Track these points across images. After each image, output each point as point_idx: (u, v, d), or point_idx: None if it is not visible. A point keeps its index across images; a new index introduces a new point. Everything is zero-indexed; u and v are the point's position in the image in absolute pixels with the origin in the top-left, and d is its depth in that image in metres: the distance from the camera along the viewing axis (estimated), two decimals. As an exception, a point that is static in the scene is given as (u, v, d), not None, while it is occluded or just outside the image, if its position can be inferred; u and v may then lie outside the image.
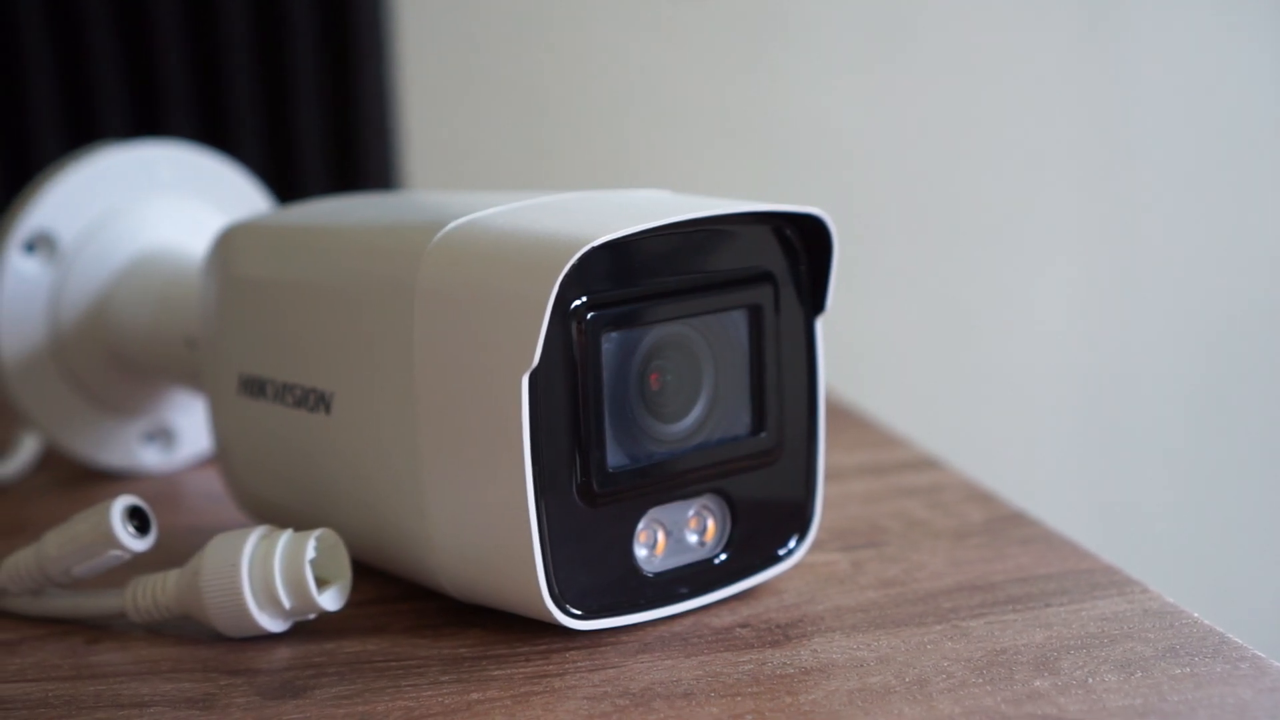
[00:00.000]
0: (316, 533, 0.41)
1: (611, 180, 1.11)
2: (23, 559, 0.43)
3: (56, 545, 0.42)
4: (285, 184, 0.97)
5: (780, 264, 0.43)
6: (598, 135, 1.16)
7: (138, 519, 0.42)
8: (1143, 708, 0.35)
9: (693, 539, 0.43)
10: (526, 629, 0.41)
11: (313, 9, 0.99)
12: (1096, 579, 0.44)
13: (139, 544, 0.42)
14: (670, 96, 1.17)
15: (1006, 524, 0.49)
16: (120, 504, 0.42)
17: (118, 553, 0.42)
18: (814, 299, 0.44)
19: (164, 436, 0.61)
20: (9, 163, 0.96)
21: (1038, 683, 0.37)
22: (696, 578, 0.42)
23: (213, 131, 0.97)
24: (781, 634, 0.41)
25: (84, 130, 0.96)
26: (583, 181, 1.09)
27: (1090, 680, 0.37)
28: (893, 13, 1.22)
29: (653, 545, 0.42)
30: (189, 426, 0.61)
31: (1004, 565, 0.45)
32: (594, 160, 1.16)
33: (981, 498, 0.52)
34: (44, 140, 0.96)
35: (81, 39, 0.96)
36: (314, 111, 1.00)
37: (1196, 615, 0.41)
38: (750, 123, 1.20)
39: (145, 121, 0.97)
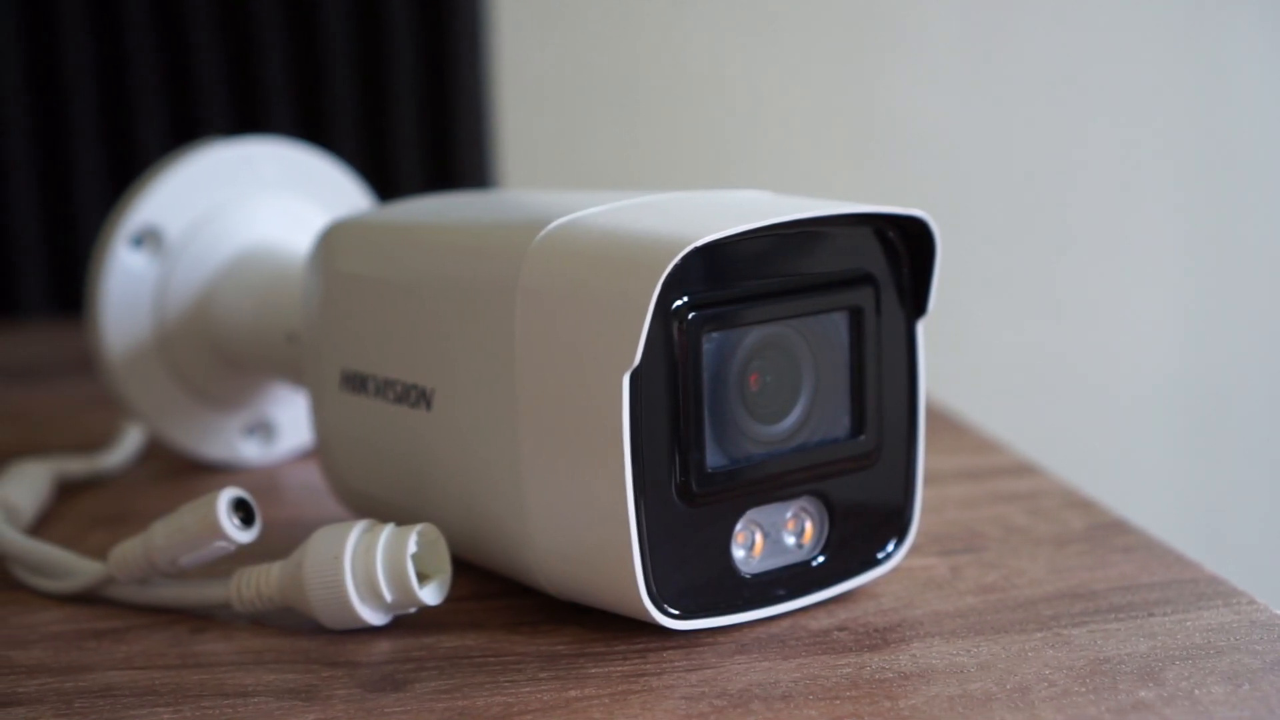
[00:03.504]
0: (418, 527, 0.41)
1: (708, 180, 1.11)
2: (130, 548, 0.44)
3: (164, 535, 0.43)
4: (382, 181, 0.98)
5: (881, 266, 0.43)
6: (694, 136, 1.16)
7: (242, 511, 0.43)
8: (1251, 721, 0.35)
9: (790, 541, 0.42)
10: (623, 627, 0.41)
11: (411, 8, 1.00)
12: (1201, 589, 0.43)
13: (244, 536, 0.42)
14: (768, 97, 1.17)
15: (1108, 531, 0.48)
16: (226, 496, 0.42)
17: (223, 544, 0.42)
18: (915, 302, 0.43)
19: (264, 430, 0.61)
20: (113, 158, 0.98)
21: (1142, 693, 0.36)
22: (794, 580, 0.42)
23: (311, 129, 0.98)
24: (880, 638, 0.40)
25: (186, 127, 0.97)
26: (679, 182, 1.09)
27: (1196, 692, 0.36)
28: (993, 15, 1.21)
29: (750, 546, 0.42)
30: (288, 420, 0.61)
31: (1106, 573, 0.45)
32: (690, 161, 1.16)
33: (1081, 504, 0.51)
34: (147, 136, 0.97)
35: (184, 39, 0.97)
36: (411, 110, 1.01)
37: (1305, 628, 0.40)
38: (848, 124, 1.19)
39: (246, 119, 0.98)
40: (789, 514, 0.42)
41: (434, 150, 1.02)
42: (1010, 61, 1.22)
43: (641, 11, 1.14)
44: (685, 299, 0.39)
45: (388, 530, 0.41)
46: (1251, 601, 0.42)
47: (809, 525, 0.43)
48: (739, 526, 0.41)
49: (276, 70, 0.99)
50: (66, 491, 0.57)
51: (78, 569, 0.45)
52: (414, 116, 1.01)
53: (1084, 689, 0.37)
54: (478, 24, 1.02)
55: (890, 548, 0.44)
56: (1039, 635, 0.40)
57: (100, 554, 0.45)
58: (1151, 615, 0.41)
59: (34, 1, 0.96)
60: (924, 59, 1.20)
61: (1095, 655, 0.39)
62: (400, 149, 1.01)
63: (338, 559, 0.41)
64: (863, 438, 0.43)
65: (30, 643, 0.42)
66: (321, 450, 0.50)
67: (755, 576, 0.41)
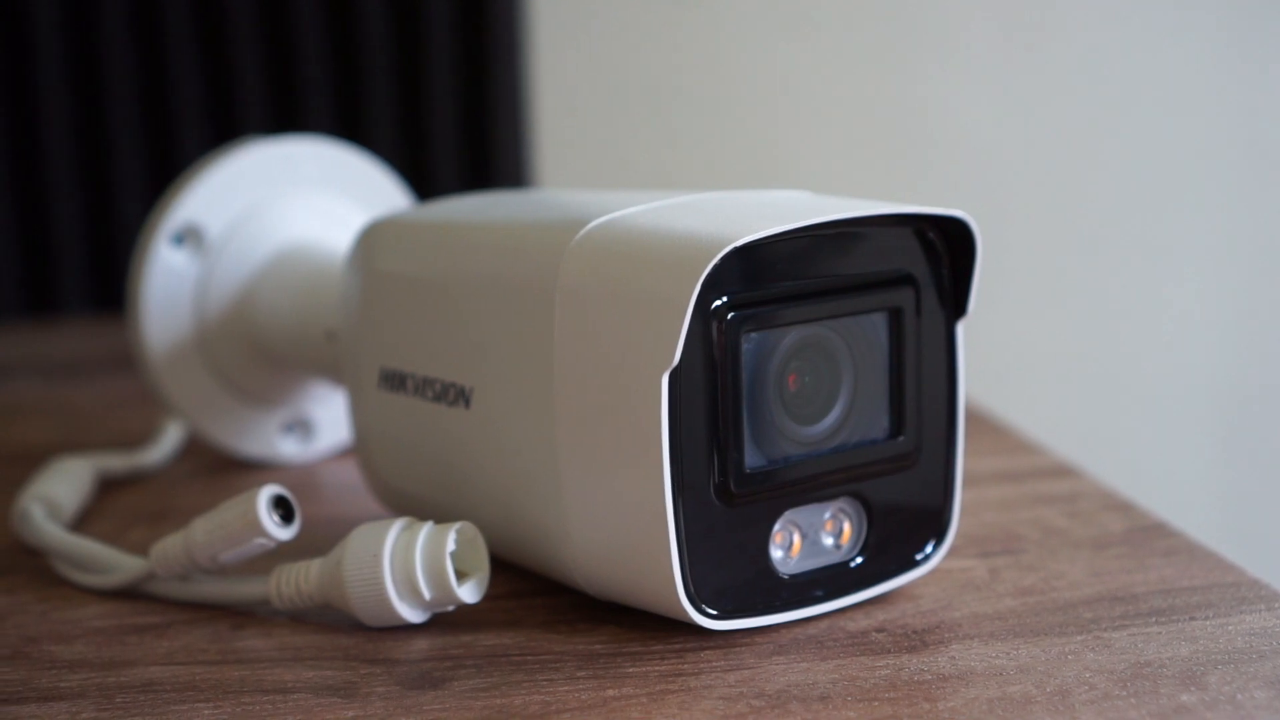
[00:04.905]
0: (457, 525, 0.41)
1: (745, 181, 1.11)
2: (171, 545, 0.44)
3: (204, 532, 0.43)
4: (419, 180, 0.98)
5: (921, 267, 0.42)
6: (731, 136, 1.16)
7: (282, 508, 0.43)
8: (1294, 726, 0.35)
9: (828, 542, 0.42)
10: (660, 627, 0.41)
11: (450, 8, 1.01)
12: (1243, 593, 0.43)
13: (283, 533, 0.43)
14: (805, 97, 1.17)
15: (1147, 534, 0.48)
16: (266, 493, 0.42)
17: (263, 541, 0.42)
18: (955, 302, 0.43)
19: (302, 427, 0.62)
20: (154, 157, 0.98)
21: (1184, 697, 0.36)
22: (832, 580, 0.42)
23: (350, 128, 0.99)
24: (918, 639, 0.40)
25: (226, 126, 0.98)
26: (716, 182, 1.09)
27: (1239, 696, 0.36)
28: (1030, 14, 1.20)
29: (788, 547, 0.42)
30: (326, 418, 0.62)
31: (1146, 576, 0.44)
32: (727, 161, 1.16)
33: (1121, 507, 0.51)
34: (187, 135, 0.98)
35: (225, 38, 0.98)
36: (449, 110, 1.01)
37: (1349, 633, 0.40)
38: (885, 123, 1.19)
39: (285, 118, 0.99)
40: (827, 515, 0.42)
41: (471, 150, 1.03)
42: (1048, 60, 1.21)
43: (678, 12, 1.14)
44: (724, 299, 0.39)
45: (426, 528, 0.41)
46: (1294, 606, 0.42)
47: (847, 526, 0.43)
48: (777, 527, 0.41)
49: (316, 70, 0.99)
50: (107, 488, 0.57)
51: (119, 564, 0.46)
52: (452, 116, 1.02)
53: (1125, 693, 0.36)
54: (515, 23, 1.02)
55: (929, 549, 0.44)
56: (1079, 638, 0.40)
57: (141, 550, 0.46)
58: (1193, 619, 0.41)
59: (76, 0, 0.96)
60: (961, 58, 1.19)
61: (1136, 659, 0.38)
62: (438, 148, 1.01)
63: (377, 557, 0.41)
64: (902, 439, 0.43)
65: (73, 637, 0.43)
66: (360, 448, 0.50)
67: (793, 577, 0.41)
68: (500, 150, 1.02)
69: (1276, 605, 0.41)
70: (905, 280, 0.42)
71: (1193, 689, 0.37)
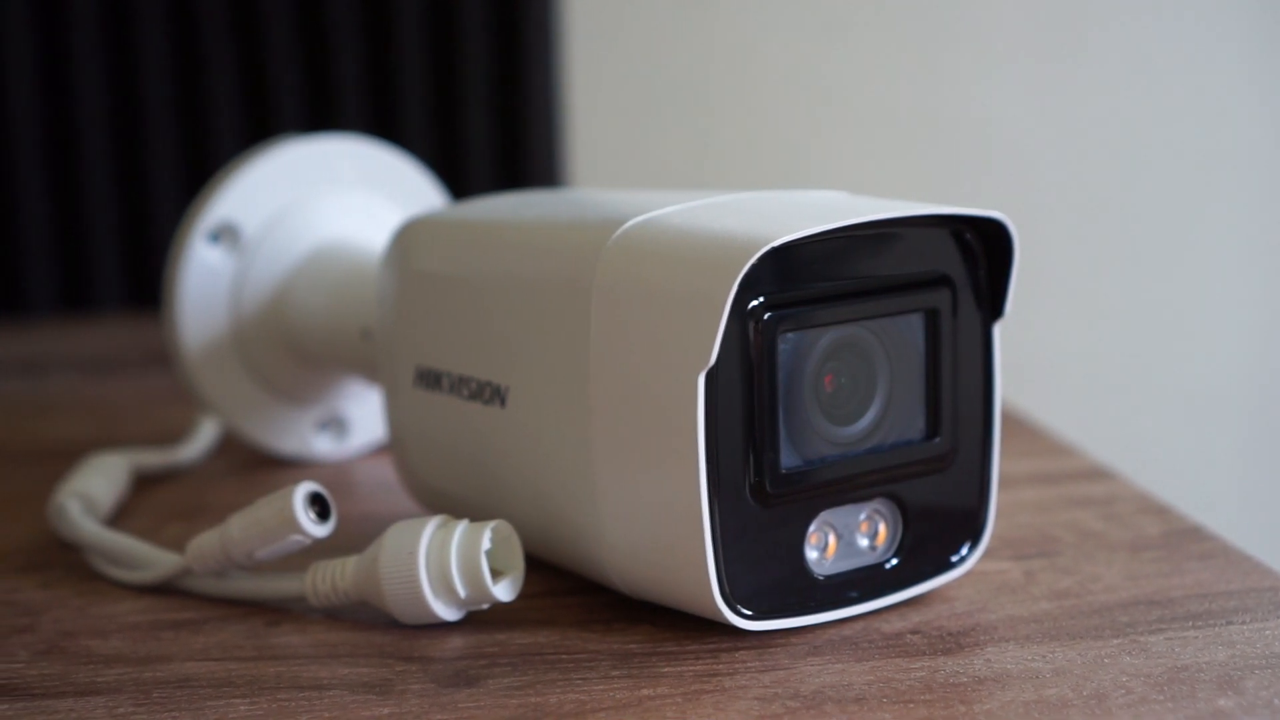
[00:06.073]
0: (492, 524, 0.42)
1: (779, 181, 1.11)
2: (208, 541, 0.44)
3: (240, 528, 0.43)
4: (453, 179, 0.98)
5: (958, 268, 0.42)
6: (765, 136, 1.16)
7: (318, 505, 0.43)
8: (1333, 733, 0.34)
9: (864, 543, 0.42)
10: (695, 627, 0.41)
11: (484, 9, 1.01)
12: (1280, 598, 0.42)
13: (320, 530, 0.43)
14: (840, 98, 1.17)
15: (1184, 538, 0.48)
16: (302, 490, 0.43)
17: (299, 538, 0.43)
18: (992, 304, 0.43)
19: (336, 425, 0.62)
20: (189, 155, 0.99)
21: (1221, 702, 0.36)
22: (867, 582, 0.42)
23: (384, 126, 0.99)
24: (954, 642, 0.40)
25: (261, 125, 0.98)
26: (751, 182, 1.09)
27: (1276, 702, 0.36)
28: (1065, 13, 1.19)
29: (823, 548, 0.42)
30: (360, 416, 0.62)
31: (1182, 580, 0.44)
32: (762, 161, 1.16)
33: (1157, 510, 0.50)
34: (223, 134, 0.99)
35: (260, 37, 0.98)
36: (483, 108, 1.02)
37: (1389, 639, 0.39)
38: (921, 125, 1.19)
39: (320, 117, 0.99)
40: (862, 516, 0.42)
41: (505, 149, 1.03)
42: (1084, 63, 1.21)
43: (712, 12, 1.14)
44: (761, 299, 0.39)
45: (462, 526, 0.42)
46: (1333, 611, 0.41)
47: (882, 527, 0.43)
48: (812, 528, 0.41)
49: (351, 69, 1.00)
50: (143, 484, 0.58)
51: (155, 560, 0.46)
52: (486, 115, 1.02)
53: (1162, 697, 0.36)
54: (549, 23, 1.02)
55: (964, 551, 0.44)
56: (1115, 642, 0.40)
57: (176, 546, 0.46)
58: (1230, 623, 0.41)
59: (112, -1, 0.97)
60: (997, 60, 1.19)
61: (1173, 663, 0.38)
62: (472, 147, 1.02)
63: (413, 554, 0.41)
64: (938, 440, 0.42)
65: (109, 633, 0.43)
66: (395, 446, 0.50)
67: (828, 578, 0.41)
68: (534, 150, 1.02)
69: (1315, 610, 0.41)
70: (942, 281, 0.42)
71: (1230, 693, 0.36)
